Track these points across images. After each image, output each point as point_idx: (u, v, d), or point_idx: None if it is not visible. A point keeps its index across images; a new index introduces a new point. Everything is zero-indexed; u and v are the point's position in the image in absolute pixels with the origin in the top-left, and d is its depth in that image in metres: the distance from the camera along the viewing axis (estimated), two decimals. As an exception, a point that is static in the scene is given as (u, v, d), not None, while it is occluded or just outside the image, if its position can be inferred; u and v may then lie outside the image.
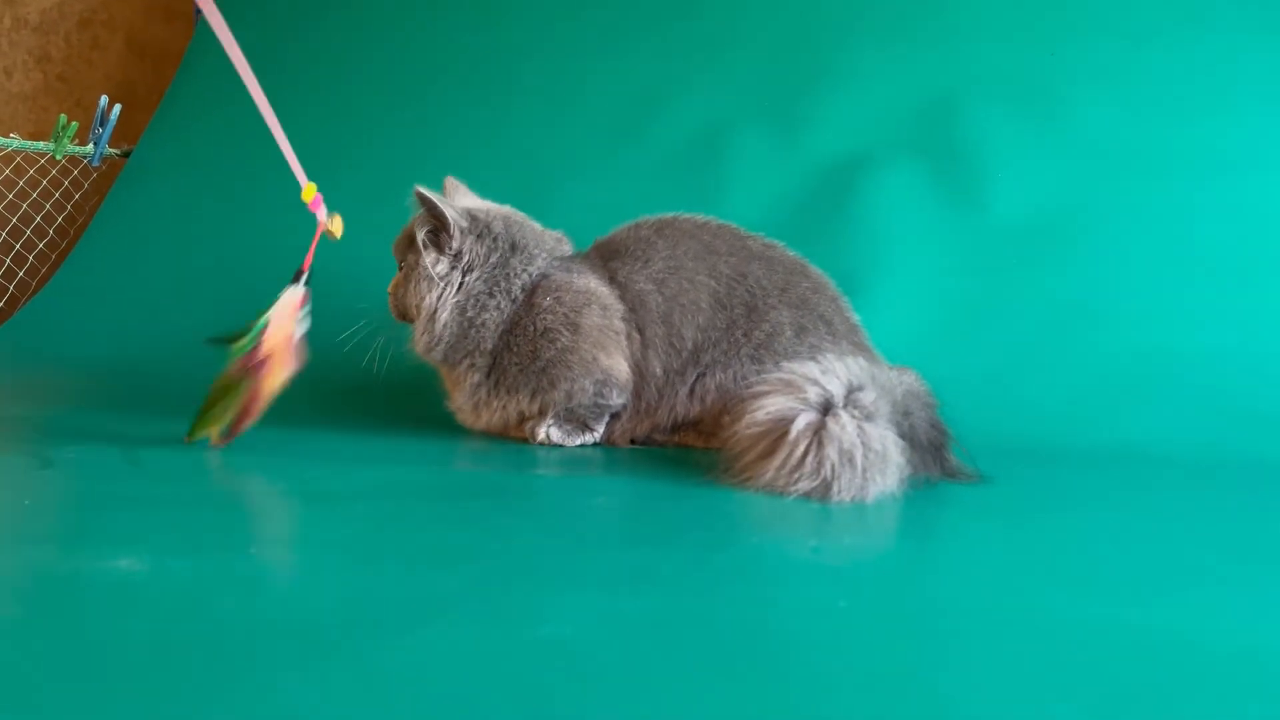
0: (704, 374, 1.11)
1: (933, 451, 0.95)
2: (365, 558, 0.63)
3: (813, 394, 0.89)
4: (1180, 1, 1.58)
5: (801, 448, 0.85)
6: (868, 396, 0.89)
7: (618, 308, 1.11)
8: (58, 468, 0.91)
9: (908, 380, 0.99)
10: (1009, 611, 0.56)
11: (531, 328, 1.10)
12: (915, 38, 1.70)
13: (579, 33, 1.97)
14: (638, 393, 1.12)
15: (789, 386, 0.90)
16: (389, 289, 1.19)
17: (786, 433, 0.87)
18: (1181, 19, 1.57)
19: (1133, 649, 0.50)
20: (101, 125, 2.08)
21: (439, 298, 1.13)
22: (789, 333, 1.10)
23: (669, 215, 1.20)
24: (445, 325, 1.13)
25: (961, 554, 0.73)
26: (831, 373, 0.91)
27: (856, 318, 1.17)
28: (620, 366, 1.10)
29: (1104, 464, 1.12)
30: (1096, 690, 0.44)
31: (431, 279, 1.13)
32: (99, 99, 2.09)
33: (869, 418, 0.87)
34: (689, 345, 1.11)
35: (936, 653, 0.49)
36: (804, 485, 0.84)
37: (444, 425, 1.23)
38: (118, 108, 2.07)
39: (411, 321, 1.17)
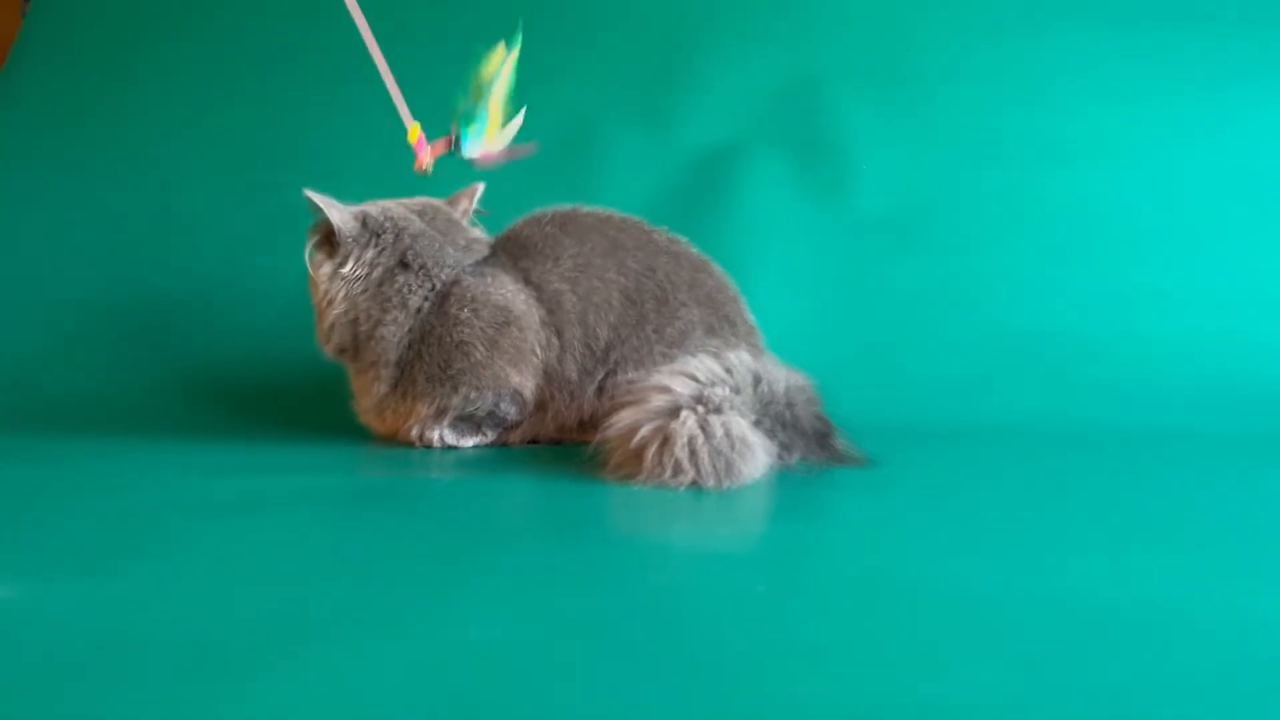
0: (613, 371, 1.10)
1: (818, 439, 0.98)
2: (269, 573, 0.60)
3: (659, 402, 0.90)
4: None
5: (652, 452, 0.87)
6: (718, 392, 0.91)
7: (534, 318, 1.09)
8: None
9: (795, 377, 1.02)
10: (920, 584, 0.58)
11: (448, 339, 1.07)
12: (777, 27, 1.74)
13: (439, 28, 1.92)
14: (544, 402, 1.11)
15: (639, 400, 0.92)
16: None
17: (629, 443, 0.88)
18: (1032, 14, 1.65)
19: (1039, 613, 0.53)
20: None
21: (325, 303, 1.09)
22: (699, 332, 1.11)
23: (568, 207, 1.19)
24: (333, 328, 1.09)
25: (863, 532, 0.76)
26: (685, 374, 0.93)
27: (753, 319, 1.19)
28: (529, 386, 1.09)
29: (977, 440, 1.18)
30: (1009, 655, 0.47)
31: (323, 279, 1.10)
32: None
33: (715, 410, 0.89)
34: (602, 345, 1.11)
35: (858, 628, 0.51)
36: (678, 481, 0.85)
37: (339, 431, 1.18)
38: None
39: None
